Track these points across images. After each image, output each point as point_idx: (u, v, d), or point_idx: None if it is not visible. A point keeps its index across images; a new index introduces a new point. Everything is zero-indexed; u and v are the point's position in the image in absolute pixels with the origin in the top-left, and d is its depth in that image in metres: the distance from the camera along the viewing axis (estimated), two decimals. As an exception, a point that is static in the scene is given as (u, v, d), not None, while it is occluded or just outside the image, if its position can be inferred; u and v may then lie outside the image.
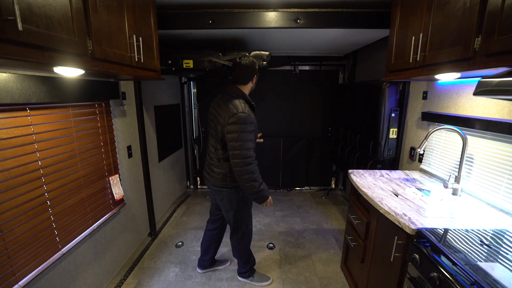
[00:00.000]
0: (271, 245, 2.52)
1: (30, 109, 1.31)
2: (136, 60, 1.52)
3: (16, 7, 0.74)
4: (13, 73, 1.16)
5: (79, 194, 1.65)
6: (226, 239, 2.60)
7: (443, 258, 0.97)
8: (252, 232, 1.95)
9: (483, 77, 0.97)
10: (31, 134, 1.31)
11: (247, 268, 2.02)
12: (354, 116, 2.79)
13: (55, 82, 1.39)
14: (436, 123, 1.83)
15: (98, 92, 1.77)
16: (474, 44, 1.08)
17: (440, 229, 1.13)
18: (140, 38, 1.53)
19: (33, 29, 0.84)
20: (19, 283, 1.24)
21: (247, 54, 2.40)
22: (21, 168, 1.26)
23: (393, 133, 2.21)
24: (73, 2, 1.03)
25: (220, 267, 2.19)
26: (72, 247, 1.58)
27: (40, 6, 0.87)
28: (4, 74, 1.12)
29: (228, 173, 1.68)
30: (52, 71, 1.17)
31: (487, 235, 1.10)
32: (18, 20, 0.75)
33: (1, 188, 1.16)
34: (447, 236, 1.09)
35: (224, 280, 2.06)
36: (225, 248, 2.45)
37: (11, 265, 1.21)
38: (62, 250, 1.51)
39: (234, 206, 1.76)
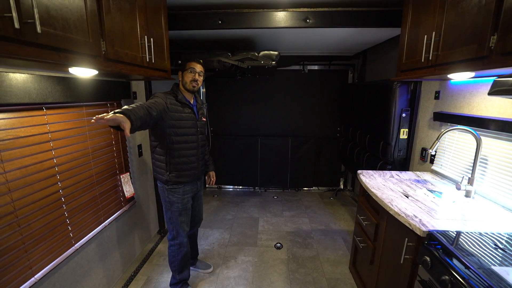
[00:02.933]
0: (278, 244, 2.52)
1: (46, 108, 1.35)
2: (147, 60, 1.55)
3: (35, 10, 0.77)
4: (31, 74, 1.21)
5: (91, 192, 1.69)
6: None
7: (455, 261, 0.95)
8: (184, 244, 1.78)
9: (498, 76, 0.95)
10: (47, 133, 1.36)
11: (177, 279, 1.87)
12: (364, 116, 2.75)
13: (69, 83, 1.43)
14: (449, 124, 1.79)
15: (110, 92, 1.81)
16: (490, 42, 1.05)
17: (452, 232, 1.11)
18: (151, 39, 1.56)
19: (51, 31, 0.87)
20: (35, 276, 1.28)
21: (256, 54, 2.41)
22: (38, 165, 1.30)
23: (403, 134, 2.18)
24: (88, 5, 1.06)
25: (199, 270, 2.15)
26: (85, 243, 1.62)
27: (57, 9, 0.90)
28: (23, 75, 1.16)
29: (153, 164, 1.75)
30: (67, 72, 1.21)
31: (502, 239, 1.07)
32: (37, 22, 0.78)
33: (20, 185, 1.21)
34: (460, 239, 1.07)
35: (232, 278, 2.07)
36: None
37: (28, 259, 1.26)
38: (75, 245, 1.56)
39: (162, 203, 1.76)
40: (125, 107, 1.25)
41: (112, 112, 1.14)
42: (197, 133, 1.73)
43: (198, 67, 1.66)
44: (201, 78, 1.69)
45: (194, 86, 1.66)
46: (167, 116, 1.55)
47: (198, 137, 1.74)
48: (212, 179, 2.05)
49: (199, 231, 2.74)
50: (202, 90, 3.79)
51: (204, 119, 1.83)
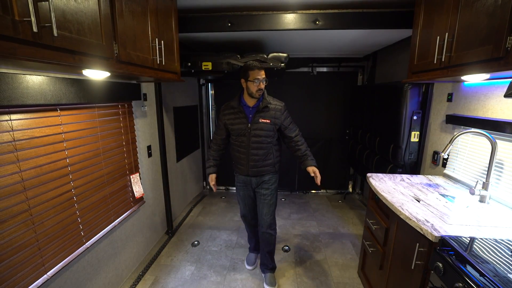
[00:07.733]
0: (286, 247, 2.50)
1: (60, 109, 1.39)
2: (158, 62, 1.58)
3: (52, 14, 0.80)
4: (46, 76, 1.24)
5: (102, 191, 1.72)
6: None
7: (469, 268, 0.92)
8: (246, 220, 2.15)
9: (515, 78, 0.92)
10: (61, 133, 1.39)
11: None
12: (374, 119, 2.72)
13: (82, 84, 1.47)
14: (462, 127, 1.75)
15: (121, 94, 1.84)
16: (506, 43, 1.02)
17: (466, 238, 1.08)
18: (162, 41, 1.59)
19: (66, 35, 0.90)
20: (48, 273, 1.31)
21: (265, 55, 2.41)
22: (52, 165, 1.34)
23: (414, 137, 2.13)
24: (102, 8, 1.09)
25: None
26: (95, 242, 1.65)
27: (72, 13, 0.93)
28: (39, 77, 1.20)
29: None
30: (81, 74, 1.25)
31: (519, 246, 1.03)
32: (54, 26, 0.81)
33: (34, 183, 1.24)
34: (474, 245, 1.03)
35: (239, 280, 2.07)
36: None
37: (41, 256, 1.29)
38: (86, 244, 1.59)
39: None
40: (207, 164, 2.02)
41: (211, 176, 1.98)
42: (248, 135, 1.83)
43: (262, 74, 1.73)
44: (264, 82, 1.76)
45: (259, 94, 1.78)
46: (224, 119, 1.91)
47: (250, 139, 1.83)
48: (315, 176, 1.82)
49: (206, 232, 2.76)
50: (211, 92, 3.82)
51: (265, 120, 1.82)
